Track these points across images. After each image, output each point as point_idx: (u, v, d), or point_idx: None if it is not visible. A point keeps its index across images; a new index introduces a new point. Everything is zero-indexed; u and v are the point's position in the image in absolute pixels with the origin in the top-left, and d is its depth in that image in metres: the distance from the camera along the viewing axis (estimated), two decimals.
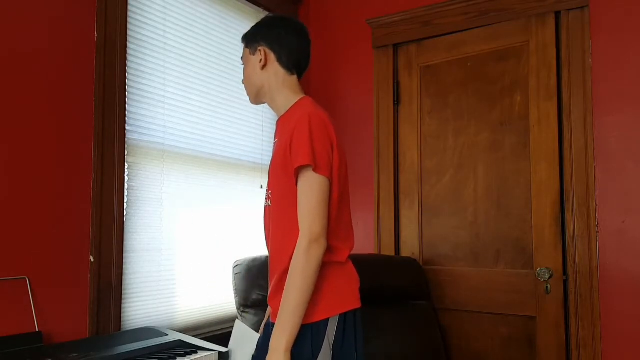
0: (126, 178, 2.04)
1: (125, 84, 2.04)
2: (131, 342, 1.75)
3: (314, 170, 1.36)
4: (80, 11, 1.92)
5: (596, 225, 2.25)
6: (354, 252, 2.87)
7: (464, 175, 2.61)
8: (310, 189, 1.37)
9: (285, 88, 1.55)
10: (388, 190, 2.80)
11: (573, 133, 2.32)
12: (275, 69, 1.55)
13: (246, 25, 2.72)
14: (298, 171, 1.38)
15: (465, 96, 2.62)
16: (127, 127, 2.05)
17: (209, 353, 1.76)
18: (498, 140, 2.52)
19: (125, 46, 2.05)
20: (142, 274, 2.11)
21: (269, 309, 1.53)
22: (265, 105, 2.88)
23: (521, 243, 2.43)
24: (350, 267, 1.51)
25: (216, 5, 2.55)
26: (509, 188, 2.48)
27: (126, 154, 2.04)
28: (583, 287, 2.25)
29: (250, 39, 1.57)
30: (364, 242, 2.87)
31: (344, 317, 1.44)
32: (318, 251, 1.35)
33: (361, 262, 2.48)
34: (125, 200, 2.03)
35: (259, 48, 1.54)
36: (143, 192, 2.12)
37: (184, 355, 1.72)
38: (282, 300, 1.36)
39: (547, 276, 2.32)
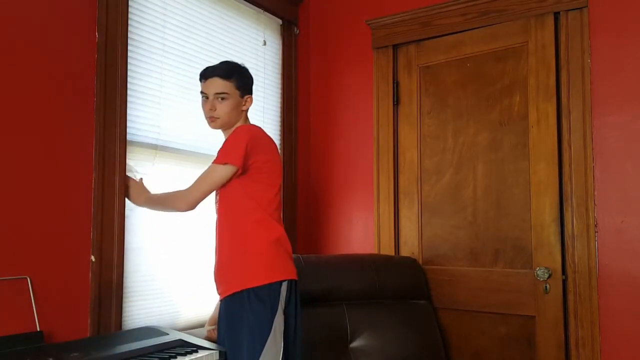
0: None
1: (126, 84, 2.05)
2: (132, 342, 1.75)
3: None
4: (81, 12, 1.92)
5: (595, 225, 2.26)
6: (354, 251, 2.89)
7: (463, 175, 2.61)
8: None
9: (244, 121, 2.02)
10: (388, 190, 2.81)
11: (572, 133, 2.33)
12: (247, 111, 2.03)
13: (246, 26, 2.73)
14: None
15: (465, 96, 2.63)
16: (128, 127, 2.06)
17: (209, 352, 1.77)
18: (497, 140, 2.53)
19: (127, 46, 2.06)
20: (143, 273, 2.11)
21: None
22: (267, 104, 2.91)
23: (520, 243, 2.44)
24: (289, 245, 1.92)
25: (216, 6, 2.55)
26: (508, 188, 2.49)
27: (127, 153, 2.05)
28: (582, 287, 2.26)
29: (244, 87, 1.98)
30: (364, 242, 2.88)
31: (290, 285, 1.83)
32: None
33: (361, 262, 2.50)
34: (126, 200, 2.03)
35: (248, 96, 1.99)
36: None
37: (185, 354, 1.72)
38: (163, 196, 1.94)
39: (546, 276, 2.33)
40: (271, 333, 1.73)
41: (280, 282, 1.80)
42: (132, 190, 1.99)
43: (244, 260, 1.82)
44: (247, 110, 2.02)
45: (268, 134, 2.01)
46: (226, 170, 1.81)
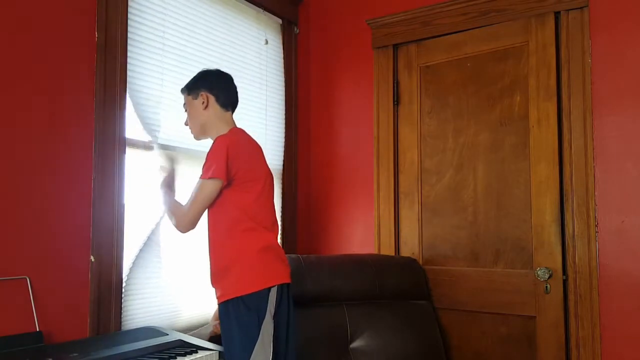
0: (126, 178, 2.04)
1: (125, 84, 2.05)
2: (132, 342, 1.75)
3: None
4: (81, 12, 1.92)
5: (595, 225, 2.25)
6: (354, 251, 2.88)
7: (463, 175, 2.61)
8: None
9: (221, 122, 1.96)
10: (388, 190, 2.80)
11: (572, 133, 2.33)
12: (215, 107, 1.96)
13: (246, 25, 2.73)
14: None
15: (465, 96, 2.63)
16: (127, 127, 2.05)
17: (209, 352, 1.77)
18: (498, 140, 2.53)
19: (126, 47, 2.05)
20: (143, 273, 2.11)
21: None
22: (269, 104, 2.92)
23: (521, 243, 2.43)
24: (279, 249, 1.93)
25: (216, 5, 2.55)
26: (508, 188, 2.48)
27: (126, 153, 2.04)
28: (582, 287, 2.26)
29: (192, 87, 1.98)
30: (364, 242, 2.88)
31: (280, 289, 1.83)
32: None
33: (361, 262, 2.50)
34: (126, 200, 2.03)
35: (201, 93, 1.95)
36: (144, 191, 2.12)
37: (185, 354, 1.72)
38: (175, 205, 1.88)
39: (547, 276, 2.32)
40: (259, 339, 1.75)
41: (269, 289, 1.81)
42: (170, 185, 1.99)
43: (233, 270, 1.83)
44: (213, 106, 1.95)
45: (253, 135, 2.00)
46: (214, 184, 1.81)
